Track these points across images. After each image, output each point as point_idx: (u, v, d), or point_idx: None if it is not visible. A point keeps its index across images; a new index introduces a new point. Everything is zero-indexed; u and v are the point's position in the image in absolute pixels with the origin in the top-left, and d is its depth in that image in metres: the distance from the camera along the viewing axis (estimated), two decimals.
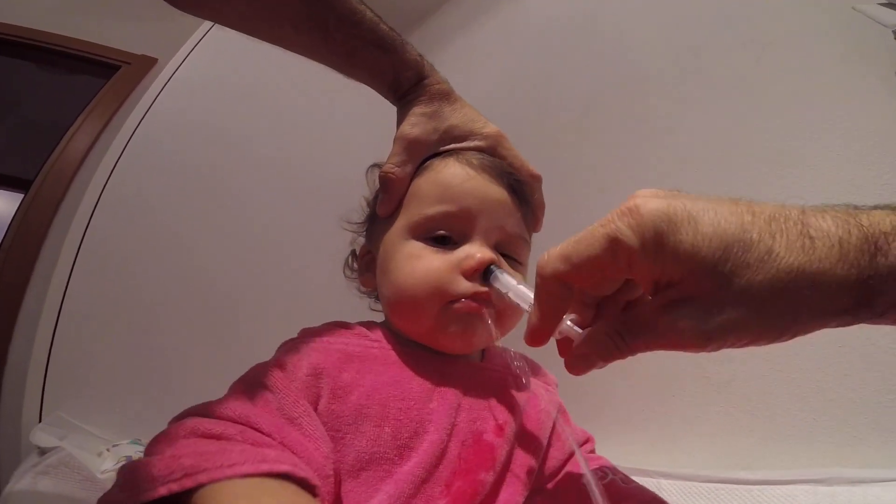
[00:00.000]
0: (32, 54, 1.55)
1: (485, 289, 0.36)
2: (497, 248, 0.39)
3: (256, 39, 0.41)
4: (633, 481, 0.38)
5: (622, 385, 0.68)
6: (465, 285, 0.36)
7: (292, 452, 0.27)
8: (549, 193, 0.94)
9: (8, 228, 1.34)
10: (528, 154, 1.05)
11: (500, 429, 0.36)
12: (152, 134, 0.95)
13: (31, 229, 1.32)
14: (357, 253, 0.48)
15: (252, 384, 0.33)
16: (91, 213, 0.86)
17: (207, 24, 1.11)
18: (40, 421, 0.69)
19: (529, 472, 0.37)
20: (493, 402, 0.38)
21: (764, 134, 0.64)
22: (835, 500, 0.42)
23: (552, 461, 0.40)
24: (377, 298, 0.45)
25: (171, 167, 0.97)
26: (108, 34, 1.55)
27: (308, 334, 0.40)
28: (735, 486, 0.48)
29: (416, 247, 0.38)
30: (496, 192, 0.39)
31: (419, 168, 0.42)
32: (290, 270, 1.04)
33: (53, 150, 1.43)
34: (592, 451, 0.45)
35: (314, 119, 1.23)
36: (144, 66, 1.58)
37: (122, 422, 0.71)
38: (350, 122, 1.27)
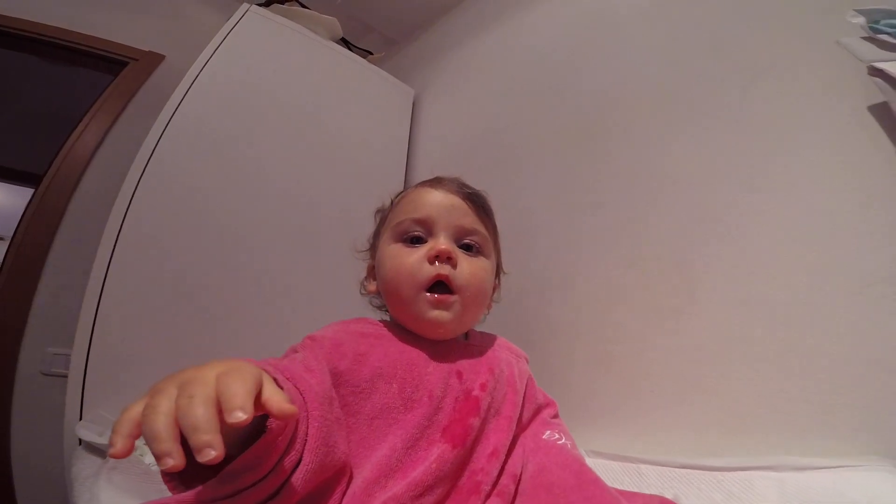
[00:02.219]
0: (38, 48, 1.54)
1: (445, 272, 0.48)
2: (458, 240, 0.52)
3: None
4: (579, 451, 0.49)
5: (607, 381, 0.76)
6: (429, 269, 0.48)
7: (295, 381, 0.36)
8: (547, 205, 1.02)
9: (19, 223, 1.38)
10: (522, 168, 1.13)
11: (483, 386, 0.47)
12: (173, 131, 0.96)
13: (43, 225, 1.36)
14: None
15: (293, 348, 0.47)
16: (125, 209, 0.88)
17: (217, 22, 1.13)
18: (81, 419, 0.77)
19: (510, 419, 0.47)
20: (478, 368, 0.49)
21: (742, 159, 0.70)
22: (783, 483, 0.50)
23: (525, 415, 0.51)
24: (382, 304, 0.57)
25: (195, 163, 0.99)
26: (116, 30, 1.56)
27: (332, 324, 0.51)
28: (703, 471, 0.56)
29: (397, 248, 0.51)
30: (452, 199, 0.53)
31: (401, 195, 0.57)
32: (310, 267, 1.09)
33: (63, 146, 1.45)
34: (556, 416, 0.56)
35: (333, 111, 1.26)
36: (152, 62, 1.60)
37: None
38: (369, 111, 1.32)
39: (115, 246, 0.86)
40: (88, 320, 0.82)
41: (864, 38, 0.61)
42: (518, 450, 0.47)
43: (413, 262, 0.49)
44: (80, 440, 0.75)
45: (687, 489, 0.56)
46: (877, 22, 0.59)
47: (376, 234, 0.59)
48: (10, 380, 1.24)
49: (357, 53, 1.44)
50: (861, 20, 0.60)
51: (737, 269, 0.66)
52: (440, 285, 0.49)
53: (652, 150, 0.82)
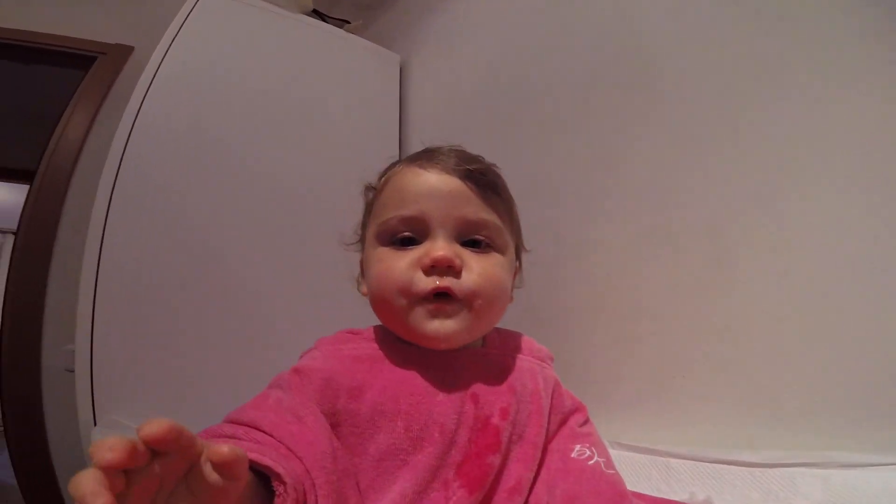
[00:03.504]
0: (3, 52, 1.48)
1: (444, 284, 0.39)
2: (460, 237, 0.41)
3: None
4: (614, 468, 0.42)
5: (629, 365, 0.71)
6: (426, 281, 0.39)
7: (289, 444, 0.31)
8: (558, 166, 0.92)
9: (21, 219, 1.39)
10: (527, 126, 1.02)
11: (504, 412, 0.40)
12: (141, 126, 0.92)
13: (44, 220, 1.39)
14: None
15: (272, 387, 0.39)
16: (106, 207, 0.86)
17: (180, 7, 1.05)
18: (95, 424, 0.77)
19: (536, 446, 0.40)
20: (497, 386, 0.42)
21: (797, 109, 0.58)
22: (828, 482, 0.46)
23: (551, 427, 0.43)
24: None
25: (180, 153, 0.95)
26: (79, 25, 1.48)
27: (323, 344, 0.44)
28: (739, 467, 0.52)
29: (383, 252, 0.42)
30: (448, 183, 0.41)
31: (387, 175, 0.46)
32: (299, 255, 1.05)
33: (48, 142, 1.44)
34: (586, 423, 0.47)
35: (313, 90, 1.18)
36: (121, 54, 1.52)
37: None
38: (348, 101, 1.23)
39: (101, 244, 0.84)
40: (86, 322, 0.81)
41: None
42: (543, 475, 0.40)
43: (403, 269, 0.40)
44: None
45: (721, 486, 0.52)
46: None
47: (363, 225, 0.49)
48: (37, 377, 1.32)
49: (333, 24, 1.32)
50: None
51: (779, 238, 0.57)
52: (440, 295, 0.40)
53: (684, 98, 0.70)
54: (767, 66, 0.62)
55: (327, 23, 1.31)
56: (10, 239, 4.24)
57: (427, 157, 0.44)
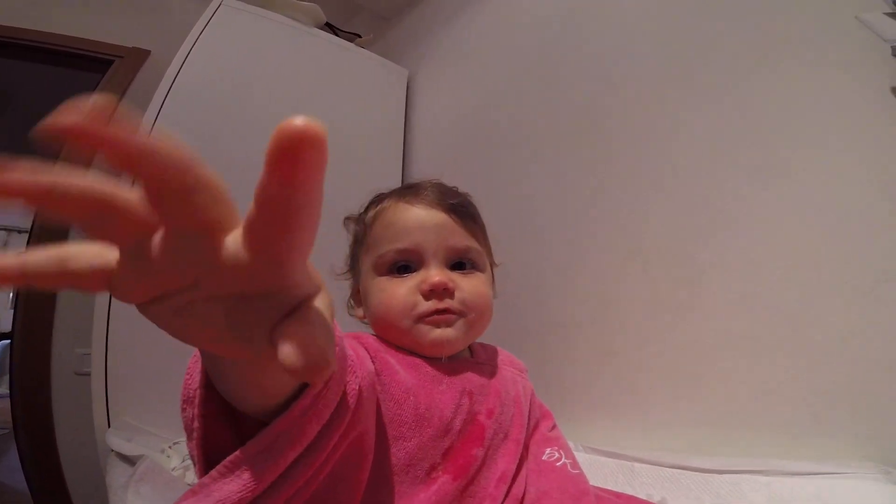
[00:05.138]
0: (20, 53, 1.53)
1: (444, 305, 0.44)
2: (449, 262, 0.48)
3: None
4: (579, 468, 0.48)
5: (604, 376, 0.77)
6: (427, 304, 0.45)
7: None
8: (547, 191, 0.97)
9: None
10: (520, 152, 1.07)
11: (490, 412, 0.46)
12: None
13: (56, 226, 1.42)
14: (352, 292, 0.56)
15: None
16: None
17: (197, 10, 1.10)
18: (109, 426, 0.81)
19: (518, 442, 0.46)
20: (487, 390, 0.47)
21: (751, 146, 0.65)
22: (770, 489, 0.51)
23: (529, 431, 0.49)
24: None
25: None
26: (96, 28, 1.53)
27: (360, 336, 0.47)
28: (693, 472, 0.57)
29: (383, 281, 0.47)
30: (435, 217, 0.47)
31: (376, 210, 0.51)
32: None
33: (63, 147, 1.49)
34: (553, 428, 0.53)
35: (322, 102, 1.23)
36: (138, 58, 1.58)
37: (180, 421, 0.82)
38: (353, 109, 1.29)
39: None
40: (102, 327, 0.85)
41: (888, 14, 0.55)
42: (523, 471, 0.46)
43: (405, 293, 0.45)
44: (111, 448, 0.80)
45: (677, 489, 0.57)
46: None
47: (353, 256, 0.53)
48: (47, 380, 1.34)
49: (344, 38, 1.38)
50: None
51: (742, 264, 0.63)
52: (439, 311, 0.45)
53: (656, 135, 0.78)
54: (731, 109, 0.68)
55: (339, 36, 1.37)
56: (14, 237, 4.33)
57: (413, 192, 0.50)
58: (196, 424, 0.25)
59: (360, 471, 0.34)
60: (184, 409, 0.27)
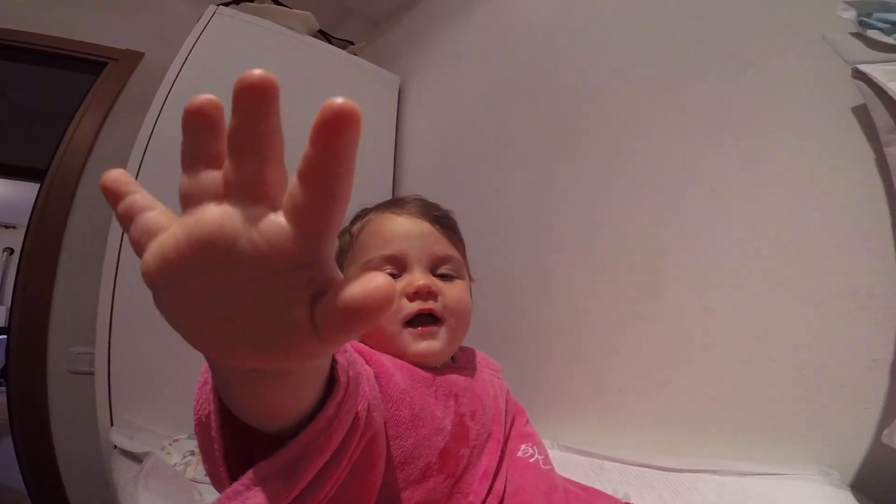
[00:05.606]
0: (13, 54, 1.53)
1: (428, 307, 0.47)
2: (432, 269, 0.50)
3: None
4: (550, 463, 0.51)
5: (576, 379, 0.82)
6: (411, 306, 0.47)
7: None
8: (526, 203, 1.01)
9: (31, 217, 1.45)
10: (502, 163, 1.10)
11: (473, 415, 0.49)
12: (158, 137, 0.99)
13: (53, 219, 1.43)
14: None
15: None
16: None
17: (190, 13, 1.12)
18: (112, 424, 0.85)
19: (499, 441, 0.50)
20: (471, 394, 0.50)
21: (715, 160, 0.69)
22: (723, 486, 0.55)
23: (506, 428, 0.52)
24: None
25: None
26: (90, 30, 1.54)
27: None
28: (656, 470, 0.62)
29: None
30: (421, 226, 0.50)
31: (362, 222, 0.53)
32: None
33: (59, 143, 1.50)
34: (527, 423, 0.57)
35: (314, 109, 1.25)
36: (132, 60, 1.59)
37: (178, 419, 0.87)
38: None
39: (119, 250, 0.91)
40: (104, 327, 0.88)
41: (853, 34, 0.57)
42: (503, 468, 0.50)
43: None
44: (115, 445, 0.83)
45: (641, 486, 0.62)
46: (868, 16, 0.56)
47: (339, 266, 0.53)
48: (43, 378, 1.35)
49: (337, 45, 1.40)
50: (852, 14, 0.56)
51: (702, 278, 0.68)
52: (423, 316, 0.48)
53: (627, 148, 0.82)
54: (701, 125, 0.72)
55: (332, 43, 1.39)
56: (9, 232, 4.31)
57: (398, 205, 0.52)
58: (216, 446, 0.26)
59: (373, 472, 0.35)
60: (198, 433, 0.28)
